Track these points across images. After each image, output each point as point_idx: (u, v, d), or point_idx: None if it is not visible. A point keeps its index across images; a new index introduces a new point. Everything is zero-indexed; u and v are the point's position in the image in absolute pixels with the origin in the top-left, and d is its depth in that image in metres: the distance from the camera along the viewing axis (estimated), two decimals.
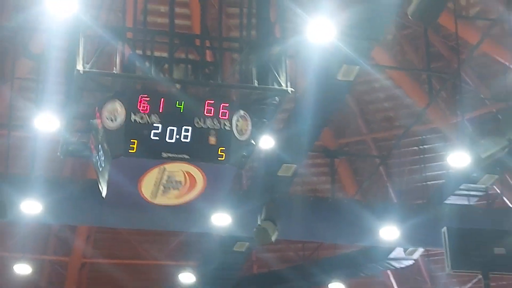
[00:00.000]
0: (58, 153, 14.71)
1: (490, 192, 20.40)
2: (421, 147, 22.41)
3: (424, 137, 22.12)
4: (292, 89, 9.93)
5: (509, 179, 21.56)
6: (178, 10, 17.48)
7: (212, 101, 9.43)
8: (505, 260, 9.24)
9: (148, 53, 10.08)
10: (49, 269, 27.04)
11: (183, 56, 10.54)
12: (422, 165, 22.39)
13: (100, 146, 10.02)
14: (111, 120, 9.25)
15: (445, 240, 7.79)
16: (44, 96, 16.04)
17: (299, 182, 21.99)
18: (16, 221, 19.82)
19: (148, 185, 16.24)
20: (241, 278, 24.11)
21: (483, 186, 18.27)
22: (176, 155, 10.71)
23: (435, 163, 22.40)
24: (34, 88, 18.50)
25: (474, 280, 22.65)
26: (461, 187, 18.28)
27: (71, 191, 17.77)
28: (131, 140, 9.26)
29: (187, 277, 23.97)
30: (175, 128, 9.48)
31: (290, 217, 18.52)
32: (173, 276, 24.69)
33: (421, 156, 22.33)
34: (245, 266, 23.81)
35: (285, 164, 17.24)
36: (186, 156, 9.54)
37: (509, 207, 22.09)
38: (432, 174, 22.62)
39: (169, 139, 9.62)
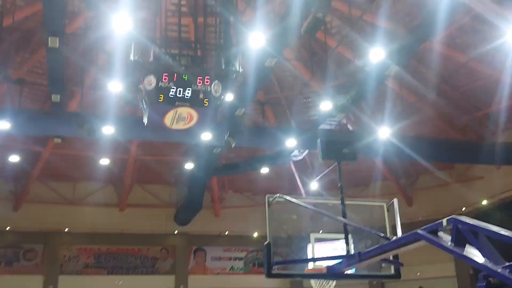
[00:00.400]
0: (122, 102, 19.05)
1: (341, 122, 22.97)
2: (309, 99, 24.97)
3: (310, 94, 24.60)
4: (242, 69, 11.84)
5: (351, 116, 24.02)
6: (183, 28, 17.61)
7: (201, 76, 10.84)
8: (351, 155, 8.51)
9: (168, 51, 11.64)
10: (118, 162, 29.84)
11: (185, 52, 12.22)
12: (308, 109, 25.21)
13: (143, 99, 11.62)
14: (149, 85, 10.62)
15: (319, 145, 7.89)
16: (113, 73, 18.96)
17: (247, 119, 22.87)
18: (99, 138, 20.80)
19: (168, 119, 21.50)
20: (217, 165, 26.47)
21: (337, 119, 20.86)
22: (182, 103, 15.71)
23: (315, 107, 24.34)
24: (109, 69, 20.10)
25: (332, 166, 22.69)
26: (327, 120, 20.82)
27: (129, 120, 20.44)
28: (159, 95, 10.85)
29: (189, 165, 26.57)
30: (181, 89, 10.95)
31: (242, 135, 20.75)
32: (182, 165, 27.75)
33: (308, 104, 25.13)
34: (219, 160, 25.77)
35: (239, 109, 19.43)
36: (188, 104, 11.32)
37: (351, 129, 24.98)
38: (314, 114, 24.85)
39: (179, 95, 11.17)
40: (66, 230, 31.41)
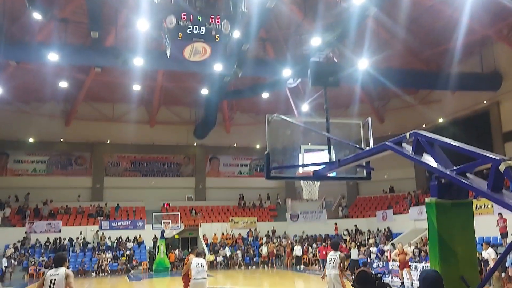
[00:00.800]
0: (149, 38, 18.53)
1: (328, 55, 21.37)
2: (302, 36, 23.51)
3: (303, 32, 23.33)
4: (247, 11, 13.71)
5: (336, 50, 22.32)
6: None
7: (213, 15, 10.34)
8: (335, 82, 7.64)
9: None
10: (148, 88, 29.50)
11: None
12: (302, 44, 23.68)
13: (166, 35, 13.45)
14: (170, 24, 11.29)
15: (309, 74, 7.53)
16: (141, 13, 18.19)
17: (251, 53, 22.17)
18: (131, 68, 21.17)
19: (186, 52, 21.12)
20: (227, 91, 26.30)
21: (325, 52, 19.96)
22: (198, 39, 15.51)
23: (307, 43, 22.74)
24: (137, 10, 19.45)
25: (318, 93, 23.39)
26: (316, 54, 19.90)
27: (155, 53, 20.03)
28: (179, 33, 12.49)
29: (204, 91, 26.27)
30: (197, 27, 12.02)
31: (246, 66, 20.56)
32: (199, 90, 27.67)
33: (301, 40, 23.67)
34: (228, 86, 25.44)
35: (245, 44, 19.63)
36: (202, 39, 13.55)
37: (336, 61, 22.82)
38: (306, 49, 23.15)
39: (195, 32, 12.20)
40: (108, 141, 31.98)
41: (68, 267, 6.62)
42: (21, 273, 23.94)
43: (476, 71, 23.81)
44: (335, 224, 29.33)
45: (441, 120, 27.34)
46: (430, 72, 24.80)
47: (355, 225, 28.81)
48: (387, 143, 4.91)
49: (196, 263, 9.35)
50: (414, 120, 27.59)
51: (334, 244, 10.33)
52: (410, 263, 16.78)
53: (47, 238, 26.38)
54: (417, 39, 23.49)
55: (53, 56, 18.75)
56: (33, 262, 24.09)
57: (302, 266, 25.34)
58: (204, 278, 9.30)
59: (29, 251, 25.23)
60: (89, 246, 27.00)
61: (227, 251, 27.07)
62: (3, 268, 22.73)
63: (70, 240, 26.72)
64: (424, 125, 26.85)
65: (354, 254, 20.35)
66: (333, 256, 9.57)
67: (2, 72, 23.50)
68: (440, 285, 3.12)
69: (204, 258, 9.94)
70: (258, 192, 33.75)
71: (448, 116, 26.82)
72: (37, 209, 28.27)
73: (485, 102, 24.62)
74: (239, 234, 29.50)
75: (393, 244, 19.80)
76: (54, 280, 6.28)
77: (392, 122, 29.53)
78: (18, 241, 25.82)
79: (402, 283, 16.26)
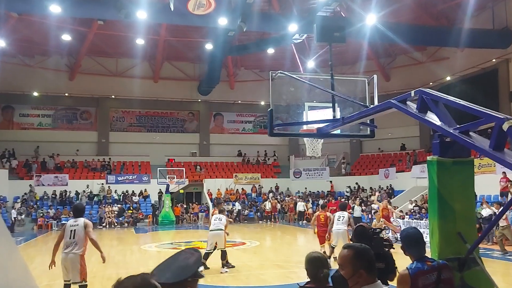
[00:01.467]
0: None
1: (336, 10, 20.99)
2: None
3: None
4: None
5: (344, 4, 22.45)
6: None
7: None
8: (341, 38, 7.05)
9: None
10: (151, 42, 28.74)
11: None
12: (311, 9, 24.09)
13: None
14: None
15: (314, 29, 7.07)
16: None
17: (256, 6, 21.46)
18: (134, 21, 21.28)
19: (190, 5, 20.70)
20: (232, 46, 25.84)
21: (333, 7, 19.35)
22: None
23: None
24: None
25: (324, 49, 24.10)
26: (323, 8, 19.21)
27: (158, 6, 19.96)
28: None
29: (208, 46, 26.39)
30: None
31: (251, 20, 20.11)
32: (203, 45, 27.59)
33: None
34: (233, 41, 25.20)
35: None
36: None
37: (344, 16, 23.16)
38: (313, 3, 23.63)
39: None
40: (113, 96, 31.87)
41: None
42: (30, 224, 24.69)
43: (487, 27, 23.16)
44: (331, 182, 29.76)
45: (448, 78, 26.90)
46: (439, 28, 24.16)
47: (356, 183, 29.11)
48: (391, 100, 4.85)
49: (216, 217, 10.62)
50: (421, 78, 27.32)
51: (342, 205, 11.77)
52: (410, 220, 17.11)
53: (53, 191, 26.96)
54: None
55: (55, 8, 18.44)
56: (41, 214, 24.79)
57: (304, 222, 25.94)
58: (220, 229, 10.37)
59: (37, 204, 25.90)
60: (96, 199, 27.62)
61: (237, 206, 27.55)
62: (13, 219, 23.40)
63: (77, 193, 27.30)
64: (430, 83, 26.53)
65: (357, 211, 20.75)
66: (342, 214, 10.93)
67: (4, 24, 23.20)
68: (419, 241, 3.18)
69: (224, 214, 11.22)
70: (262, 149, 33.97)
71: (455, 74, 26.39)
72: (44, 162, 28.71)
73: (494, 60, 24.15)
74: (243, 189, 29.99)
75: (379, 201, 19.66)
76: (74, 230, 6.53)
77: (398, 80, 29.16)
78: (25, 193, 26.45)
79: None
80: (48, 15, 20.66)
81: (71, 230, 6.54)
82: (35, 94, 29.92)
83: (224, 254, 10.41)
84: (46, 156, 29.16)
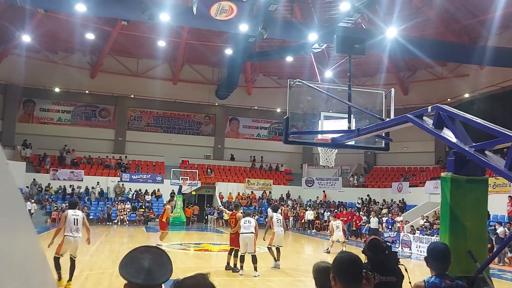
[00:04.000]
0: None
1: (357, 21, 21.63)
2: (332, 0, 23.24)
3: None
4: None
5: (366, 16, 22.37)
6: None
7: None
8: (360, 50, 6.90)
9: None
10: (172, 44, 28.93)
11: None
12: (330, 8, 23.61)
13: None
14: None
15: (335, 40, 6.90)
16: None
17: (278, 14, 21.29)
18: (157, 23, 21.44)
19: (213, 10, 20.75)
20: (251, 52, 25.72)
21: (354, 18, 19.35)
22: None
23: (336, 7, 23.34)
24: None
25: (343, 60, 22.68)
26: (345, 19, 19.37)
27: (181, 10, 20.24)
28: None
29: (228, 51, 26.12)
30: None
31: (272, 27, 19.94)
32: (223, 50, 27.34)
33: (330, 4, 23.46)
34: (253, 48, 25.07)
35: (272, 5, 18.39)
36: None
37: (365, 28, 23.54)
38: (334, 13, 23.65)
39: None
40: (132, 96, 32.24)
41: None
42: (44, 217, 25.04)
43: (509, 46, 22.70)
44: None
45: (467, 95, 26.55)
46: (462, 44, 23.79)
47: (368, 195, 28.87)
48: (408, 115, 4.85)
49: (245, 220, 10.73)
50: (439, 93, 27.06)
51: (274, 207, 13.12)
52: (420, 235, 17.06)
53: (61, 186, 27.26)
54: (451, 8, 22.51)
55: (80, 7, 18.73)
56: (55, 207, 25.12)
57: (313, 231, 25.79)
58: (251, 232, 10.53)
59: (52, 197, 26.29)
60: (108, 196, 27.91)
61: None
62: (27, 211, 23.70)
63: (86, 189, 27.62)
64: (448, 99, 26.26)
65: (374, 223, 20.59)
66: (278, 217, 12.04)
67: (30, 20, 23.71)
68: (446, 257, 3.13)
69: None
70: (276, 156, 33.93)
71: (475, 91, 26.03)
72: (61, 157, 29.12)
73: None
74: (252, 192, 30.05)
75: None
76: (77, 219, 8.13)
77: (417, 94, 28.94)
78: (31, 184, 26.84)
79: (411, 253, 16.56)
80: (74, 13, 20.93)
81: (74, 219, 8.11)
82: (57, 89, 30.37)
83: (254, 258, 10.45)
84: (64, 151, 29.57)
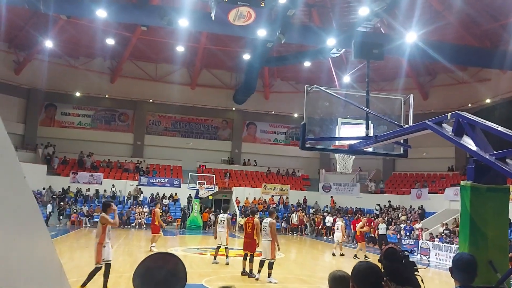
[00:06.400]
0: None
1: (376, 26, 21.72)
2: (350, 4, 22.99)
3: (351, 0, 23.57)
4: None
5: (385, 21, 22.43)
6: None
7: None
8: (379, 55, 6.80)
9: None
10: (191, 49, 29.49)
11: None
12: (349, 12, 23.62)
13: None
14: None
15: (353, 45, 6.85)
16: None
17: (296, 19, 21.85)
18: (176, 28, 21.54)
19: (231, 15, 20.90)
20: (269, 57, 25.83)
21: (373, 23, 19.72)
22: (243, 3, 15.22)
23: (354, 12, 23.02)
24: None
25: (361, 64, 22.82)
26: (363, 23, 19.53)
27: (200, 15, 20.18)
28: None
29: (246, 56, 26.49)
30: None
31: (290, 32, 20.12)
32: (241, 55, 27.87)
33: (349, 8, 23.38)
34: (270, 53, 25.17)
35: (290, 10, 18.89)
36: (248, 4, 13.47)
37: (384, 32, 23.83)
38: (353, 18, 23.28)
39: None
40: (151, 100, 32.60)
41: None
42: (64, 219, 25.37)
43: None
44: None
45: (488, 100, 26.07)
46: (483, 49, 23.47)
47: (389, 201, 28.49)
48: (427, 122, 4.78)
49: (264, 223, 10.55)
50: (460, 98, 26.69)
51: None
52: (440, 243, 16.79)
53: (78, 188, 27.53)
54: (474, 11, 22.16)
55: (101, 13, 19.13)
56: (75, 211, 25.47)
57: (331, 237, 25.48)
58: (267, 240, 10.31)
59: (71, 200, 26.63)
60: (123, 199, 28.12)
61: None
62: (48, 213, 24.11)
63: (97, 191, 27.85)
64: (469, 105, 25.83)
65: (382, 229, 20.35)
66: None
67: (53, 26, 24.24)
68: (473, 269, 3.06)
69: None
70: (292, 161, 33.78)
71: (496, 97, 25.54)
72: (81, 160, 29.55)
73: None
74: (271, 197, 29.90)
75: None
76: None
77: (437, 99, 28.57)
78: (47, 189, 27.22)
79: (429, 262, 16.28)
80: (95, 19, 21.41)
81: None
82: (77, 94, 30.94)
83: (271, 264, 10.20)
84: (84, 154, 30.00)
